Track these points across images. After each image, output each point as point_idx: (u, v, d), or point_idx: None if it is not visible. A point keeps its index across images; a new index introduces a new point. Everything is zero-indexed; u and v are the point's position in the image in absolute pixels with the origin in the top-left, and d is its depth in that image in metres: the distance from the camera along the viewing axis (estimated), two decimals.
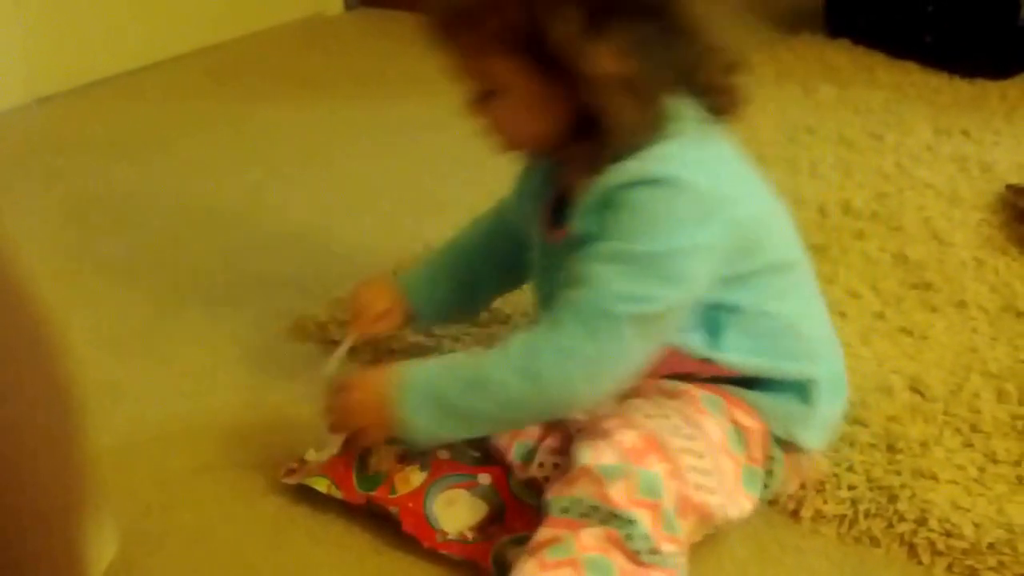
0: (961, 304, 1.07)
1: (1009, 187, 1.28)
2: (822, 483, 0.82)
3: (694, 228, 0.67)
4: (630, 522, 0.66)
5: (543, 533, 0.67)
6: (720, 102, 0.72)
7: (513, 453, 0.79)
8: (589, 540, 0.66)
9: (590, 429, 0.71)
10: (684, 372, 0.74)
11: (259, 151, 1.45)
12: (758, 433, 0.73)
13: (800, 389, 0.75)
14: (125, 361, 1.00)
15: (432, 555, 0.76)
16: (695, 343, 0.72)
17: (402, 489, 0.77)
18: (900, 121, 1.50)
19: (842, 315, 1.05)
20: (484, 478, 0.78)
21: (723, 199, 0.69)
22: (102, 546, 0.75)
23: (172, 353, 1.01)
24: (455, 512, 0.76)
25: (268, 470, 0.84)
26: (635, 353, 0.68)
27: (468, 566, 0.74)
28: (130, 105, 1.61)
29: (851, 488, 0.82)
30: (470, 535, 0.75)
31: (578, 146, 0.70)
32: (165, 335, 1.04)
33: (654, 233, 0.67)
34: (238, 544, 0.79)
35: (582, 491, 0.67)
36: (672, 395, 0.74)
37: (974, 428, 0.89)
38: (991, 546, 0.77)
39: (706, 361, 0.73)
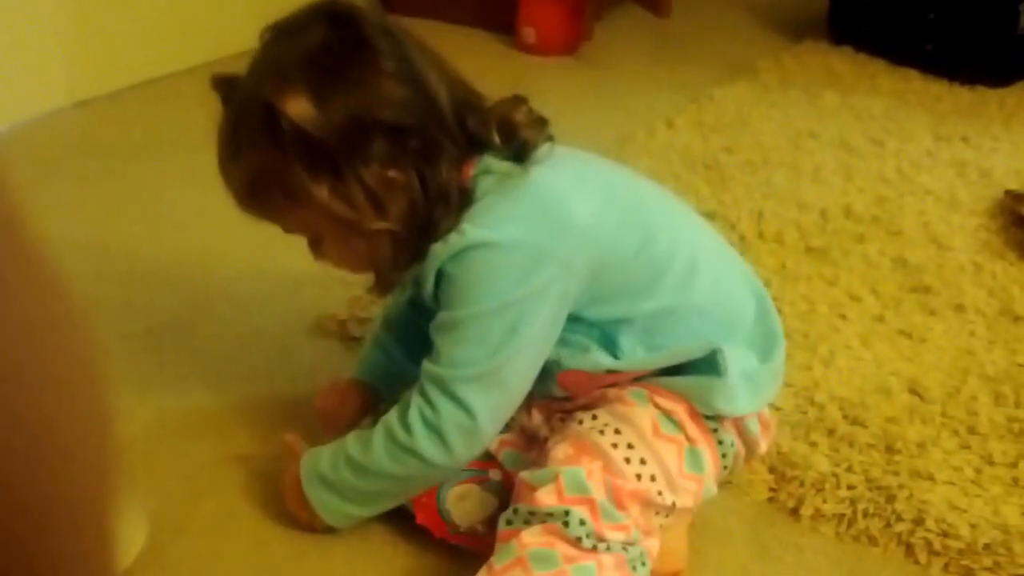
0: (959, 308, 1.04)
1: (1007, 193, 1.25)
2: (822, 483, 0.81)
3: (515, 281, 0.67)
4: (565, 513, 0.65)
5: (495, 548, 0.68)
6: (519, 146, 0.70)
7: (503, 459, 0.78)
8: (530, 538, 0.66)
9: (537, 452, 0.71)
10: (603, 386, 0.72)
11: None
12: (684, 413, 0.71)
13: (708, 362, 0.71)
14: (153, 355, 0.99)
15: (443, 546, 0.75)
16: (597, 359, 0.71)
17: None
18: (901, 127, 1.47)
19: (842, 317, 1.03)
20: (495, 473, 0.77)
21: (543, 244, 0.67)
22: (132, 534, 0.75)
23: (199, 348, 1.01)
24: (467, 506, 0.75)
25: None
26: (488, 408, 0.68)
27: (477, 558, 0.73)
28: (166, 109, 1.60)
29: (850, 488, 0.80)
30: (480, 528, 0.75)
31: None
32: (192, 331, 1.03)
33: (474, 296, 0.67)
34: (259, 533, 0.78)
35: (519, 502, 0.68)
36: (604, 398, 0.72)
37: (971, 430, 0.87)
38: (987, 546, 0.75)
39: (611, 372, 0.71)
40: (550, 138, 0.71)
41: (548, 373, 0.72)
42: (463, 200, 0.69)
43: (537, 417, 0.76)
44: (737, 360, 0.71)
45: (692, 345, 0.71)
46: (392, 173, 0.67)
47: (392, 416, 0.71)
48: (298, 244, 1.19)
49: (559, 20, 1.75)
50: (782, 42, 1.84)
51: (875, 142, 1.42)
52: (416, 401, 0.69)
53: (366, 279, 0.77)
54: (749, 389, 0.71)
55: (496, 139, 0.70)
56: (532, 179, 0.69)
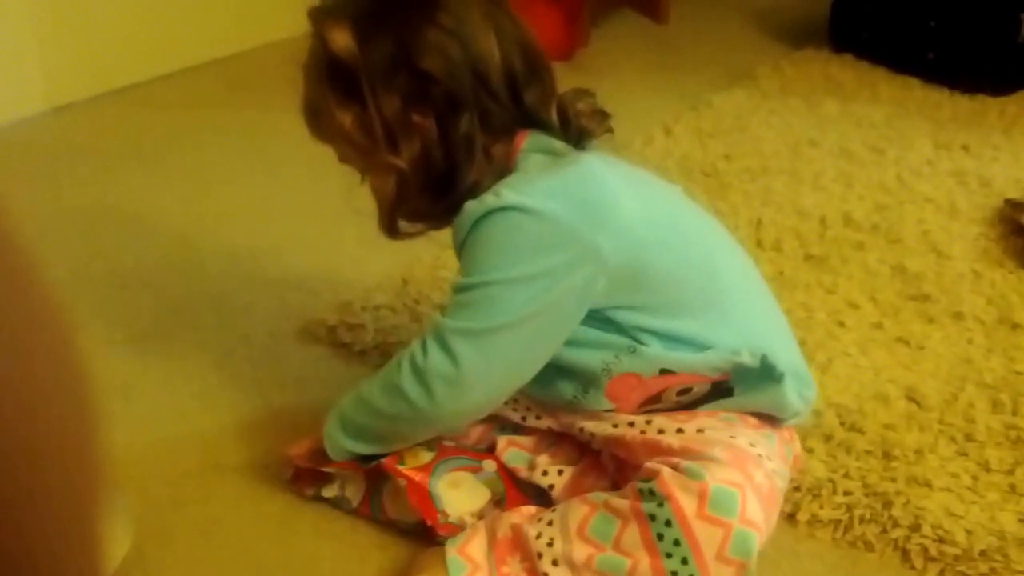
0: (958, 316, 1.08)
1: (1007, 201, 1.29)
2: (819, 488, 0.84)
3: (533, 251, 0.69)
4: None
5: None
6: (577, 133, 0.74)
7: (507, 458, 0.81)
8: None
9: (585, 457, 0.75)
10: (652, 394, 0.75)
11: (271, 158, 1.47)
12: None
13: (765, 371, 0.74)
14: (138, 362, 1.02)
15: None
16: (652, 352, 0.73)
17: (411, 463, 0.78)
18: (901, 135, 1.52)
19: (841, 324, 1.07)
20: (489, 464, 0.81)
21: (575, 227, 0.69)
22: (117, 540, 0.77)
23: (184, 354, 1.03)
24: (459, 495, 0.78)
25: (275, 469, 0.86)
26: (475, 363, 0.70)
27: None
28: (145, 114, 1.64)
29: (847, 494, 0.83)
30: (469, 520, 0.77)
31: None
32: (177, 337, 1.06)
33: (493, 262, 0.70)
34: (246, 539, 0.81)
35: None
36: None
37: (968, 437, 0.90)
38: (983, 552, 0.78)
39: (665, 372, 0.73)
40: (609, 130, 0.76)
41: (596, 384, 0.74)
42: (504, 167, 0.73)
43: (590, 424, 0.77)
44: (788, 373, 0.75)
45: (743, 350, 0.73)
46: (415, 117, 0.73)
47: (394, 357, 0.75)
48: (284, 247, 1.23)
49: (553, 25, 1.79)
50: (782, 49, 1.89)
51: (875, 150, 1.47)
52: (413, 344, 0.73)
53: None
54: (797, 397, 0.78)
55: (554, 119, 0.75)
56: (584, 165, 0.73)
